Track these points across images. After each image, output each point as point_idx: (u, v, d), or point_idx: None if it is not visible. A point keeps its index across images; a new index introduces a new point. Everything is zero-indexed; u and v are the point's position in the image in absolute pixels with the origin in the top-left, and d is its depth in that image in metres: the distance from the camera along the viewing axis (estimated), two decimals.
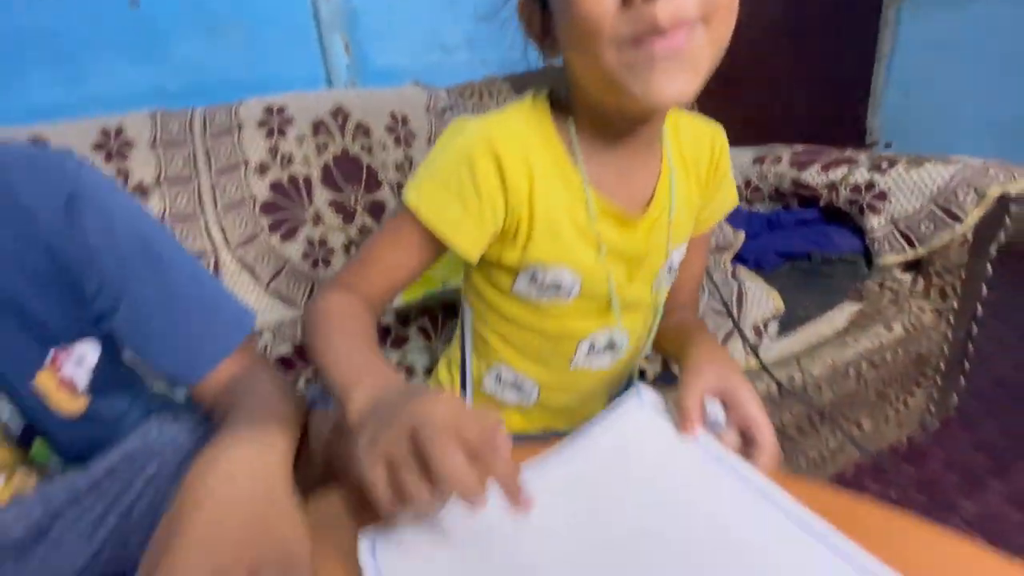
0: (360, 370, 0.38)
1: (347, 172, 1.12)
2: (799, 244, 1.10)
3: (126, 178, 0.97)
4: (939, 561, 0.30)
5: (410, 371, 0.82)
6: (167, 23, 1.10)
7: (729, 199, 0.57)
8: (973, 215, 0.91)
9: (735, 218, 1.20)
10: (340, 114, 1.12)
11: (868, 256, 1.02)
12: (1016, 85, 1.90)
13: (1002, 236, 0.97)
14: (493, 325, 0.55)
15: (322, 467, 0.46)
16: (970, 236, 0.95)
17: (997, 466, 1.10)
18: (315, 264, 1.08)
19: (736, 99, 1.99)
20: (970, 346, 1.09)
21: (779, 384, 0.59)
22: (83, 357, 0.45)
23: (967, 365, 1.11)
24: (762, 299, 0.90)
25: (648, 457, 0.38)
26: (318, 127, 1.10)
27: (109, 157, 0.96)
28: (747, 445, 0.41)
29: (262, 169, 1.06)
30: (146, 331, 0.45)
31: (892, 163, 1.02)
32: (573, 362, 0.55)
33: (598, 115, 0.44)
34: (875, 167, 1.03)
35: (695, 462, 0.38)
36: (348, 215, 1.11)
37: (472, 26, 1.38)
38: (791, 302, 0.91)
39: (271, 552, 0.29)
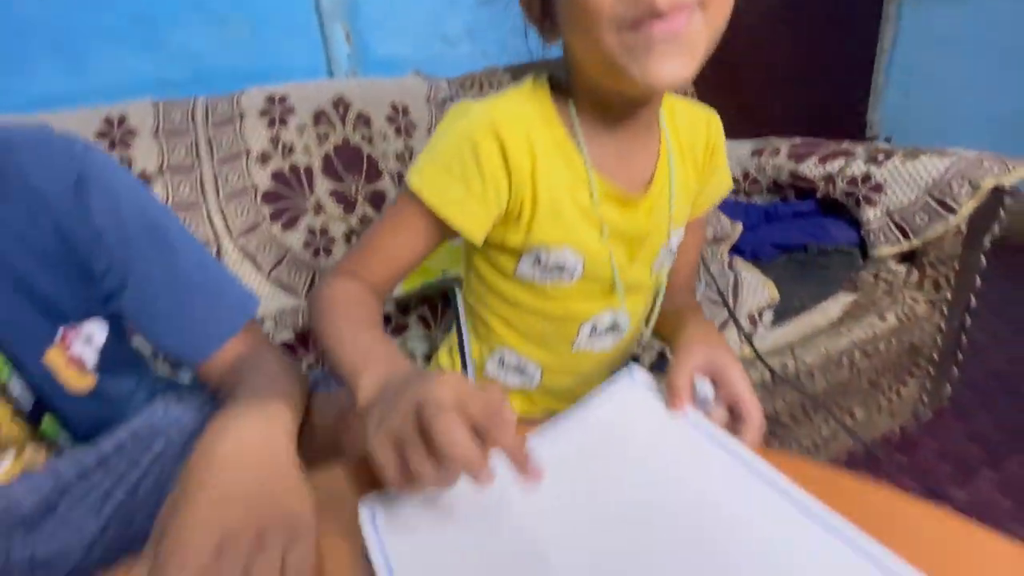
0: (368, 355, 0.38)
1: (348, 162, 1.12)
2: (796, 236, 1.11)
3: (129, 166, 0.98)
4: (916, 529, 0.31)
5: (410, 358, 0.84)
6: (170, 13, 1.11)
7: (724, 183, 0.58)
8: (967, 207, 0.91)
9: (733, 210, 1.21)
10: (341, 104, 1.13)
11: (864, 248, 1.03)
12: (1017, 80, 1.90)
13: (996, 228, 0.98)
14: (495, 309, 0.55)
15: (324, 448, 0.48)
16: (964, 228, 0.96)
17: (990, 457, 1.12)
18: (316, 253, 1.10)
19: (737, 93, 2.00)
20: (964, 337, 1.10)
21: (772, 371, 0.60)
22: (91, 336, 0.46)
23: (961, 356, 1.12)
24: (757, 289, 0.91)
25: (638, 433, 0.39)
26: (319, 117, 1.11)
27: (112, 145, 0.97)
28: (735, 421, 0.42)
29: (264, 158, 1.07)
30: (152, 311, 0.46)
31: (888, 155, 1.03)
32: (575, 344, 0.55)
33: (598, 98, 0.45)
34: (872, 159, 1.04)
35: (684, 437, 0.39)
36: (349, 205, 1.12)
37: (473, 17, 1.39)
38: (787, 293, 0.92)
39: (277, 516, 0.30)
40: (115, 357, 0.49)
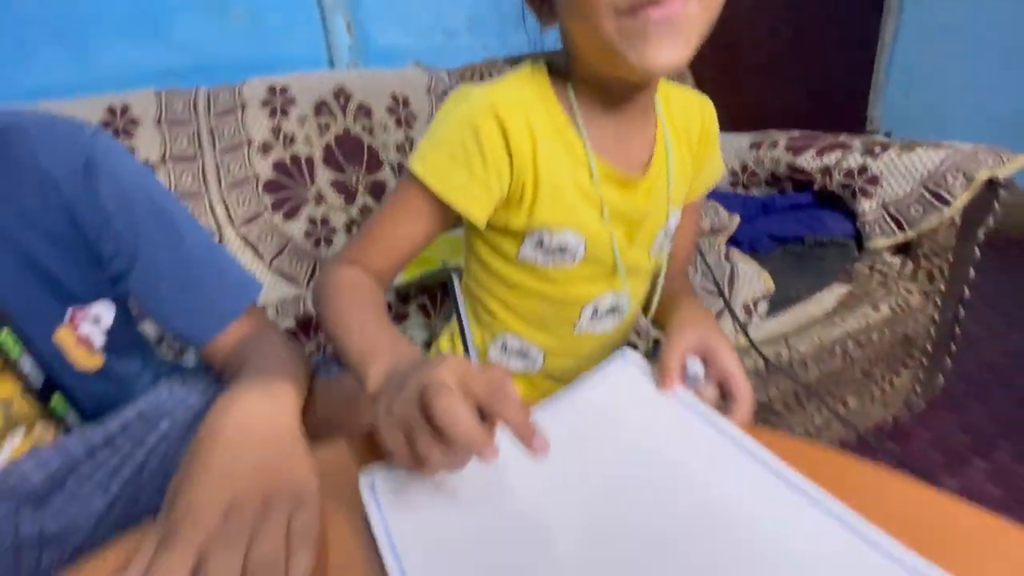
0: (374, 344, 0.39)
1: (348, 152, 1.13)
2: (793, 228, 1.12)
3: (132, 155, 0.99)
4: (892, 501, 0.33)
5: None
6: (172, 3, 1.11)
7: (717, 168, 0.59)
8: (961, 199, 0.92)
9: (731, 202, 1.22)
10: (342, 95, 1.13)
11: (860, 240, 1.04)
12: (1017, 77, 1.91)
13: (990, 221, 0.99)
14: (497, 294, 0.56)
15: (325, 430, 0.49)
16: (958, 220, 0.97)
17: (981, 447, 1.13)
18: (317, 243, 1.11)
19: (738, 89, 2.01)
20: (957, 329, 1.11)
21: (766, 360, 0.61)
22: (99, 317, 0.47)
23: (954, 348, 1.13)
24: (753, 279, 0.92)
25: (629, 412, 0.41)
26: (320, 107, 1.11)
27: (115, 135, 0.98)
28: (725, 398, 0.43)
29: (265, 148, 1.08)
30: (159, 293, 0.47)
31: (885, 148, 1.04)
32: (577, 327, 0.56)
33: (596, 82, 0.46)
34: (868, 152, 1.05)
35: (673, 416, 0.40)
36: (350, 195, 1.13)
37: (474, 9, 1.39)
38: (783, 284, 0.93)
39: (282, 485, 0.31)
40: (122, 339, 0.51)
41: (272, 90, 1.09)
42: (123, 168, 0.46)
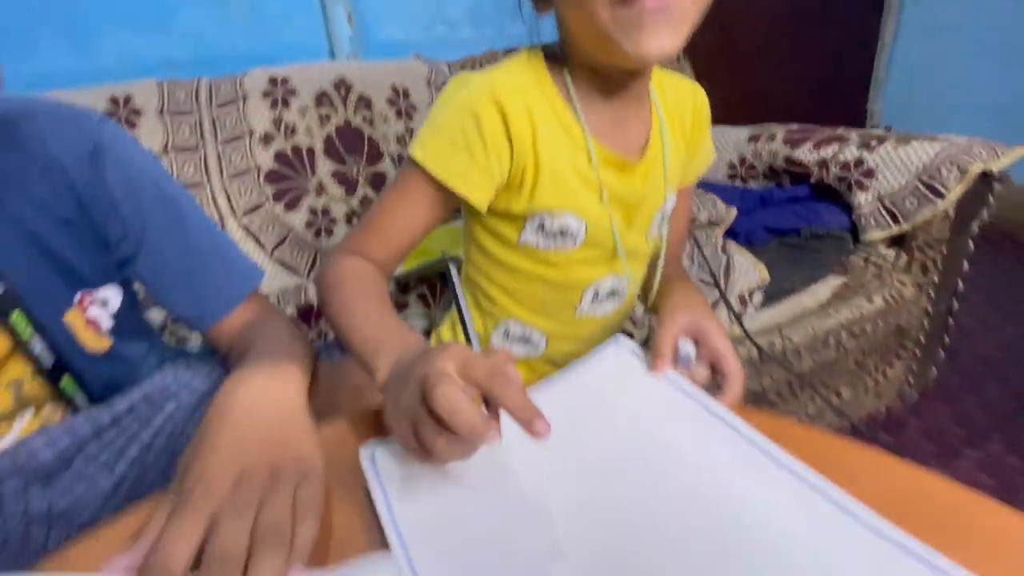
0: (380, 336, 0.39)
1: (349, 143, 1.14)
2: (789, 220, 1.13)
3: None
4: (872, 475, 0.34)
5: None
6: None
7: (709, 154, 0.61)
8: (955, 191, 0.93)
9: (728, 194, 1.22)
10: (343, 86, 1.14)
11: (856, 232, 1.06)
12: (1017, 72, 1.91)
13: (985, 214, 1.00)
14: (498, 281, 0.56)
15: (327, 412, 0.50)
16: (952, 212, 0.98)
17: (973, 438, 1.15)
18: (318, 234, 1.12)
19: (739, 83, 2.01)
20: (951, 321, 1.13)
21: (759, 349, 0.63)
22: (107, 300, 0.49)
23: (948, 340, 1.15)
24: (748, 270, 0.94)
25: (622, 395, 0.42)
26: (321, 98, 1.12)
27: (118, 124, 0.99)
28: (717, 377, 0.45)
29: (266, 139, 1.09)
30: (165, 278, 0.49)
31: (881, 141, 1.05)
32: (579, 310, 0.57)
33: (592, 68, 0.47)
34: (864, 145, 1.06)
35: (665, 398, 0.41)
36: (350, 186, 1.14)
37: (474, 1, 1.40)
38: (778, 276, 0.94)
39: (289, 458, 0.33)
40: (128, 323, 0.52)
41: (273, 81, 1.10)
42: (129, 155, 0.47)
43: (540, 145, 0.47)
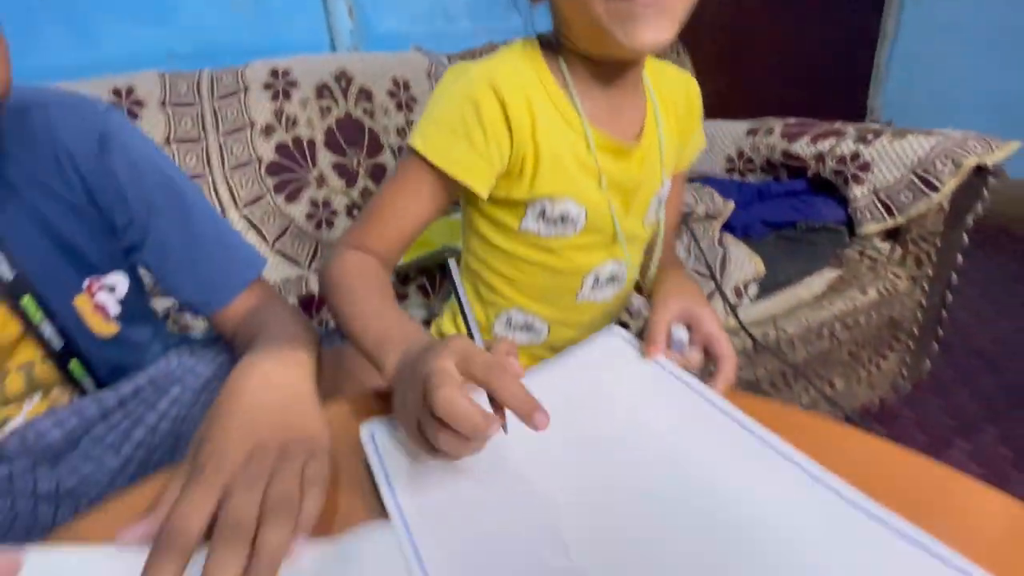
0: (386, 331, 0.40)
1: (350, 135, 1.15)
2: (786, 214, 1.14)
3: None
4: (857, 455, 0.35)
5: None
6: None
7: (700, 141, 0.62)
8: (949, 185, 0.94)
9: (726, 188, 1.24)
10: (343, 78, 1.15)
11: (851, 226, 1.07)
12: (1017, 68, 1.92)
13: (979, 208, 1.01)
14: (499, 269, 0.57)
15: (329, 396, 0.51)
16: (947, 206, 0.99)
17: (965, 429, 1.16)
18: (319, 225, 1.13)
19: (739, 78, 2.01)
20: (945, 314, 1.14)
21: (753, 339, 0.64)
22: (114, 286, 0.50)
23: (941, 332, 1.16)
24: (744, 263, 0.95)
25: (616, 381, 0.43)
26: (322, 90, 1.13)
27: None
28: (710, 360, 0.46)
29: (267, 131, 1.09)
30: (170, 264, 0.50)
31: (877, 135, 1.05)
32: (580, 296, 0.58)
33: (587, 57, 0.47)
34: (861, 139, 1.07)
35: (658, 383, 0.42)
36: (351, 178, 1.15)
37: None
38: (774, 268, 0.95)
39: (298, 436, 0.34)
40: (134, 308, 0.53)
41: (274, 73, 1.10)
42: (135, 143, 0.48)
43: (539, 132, 0.47)
